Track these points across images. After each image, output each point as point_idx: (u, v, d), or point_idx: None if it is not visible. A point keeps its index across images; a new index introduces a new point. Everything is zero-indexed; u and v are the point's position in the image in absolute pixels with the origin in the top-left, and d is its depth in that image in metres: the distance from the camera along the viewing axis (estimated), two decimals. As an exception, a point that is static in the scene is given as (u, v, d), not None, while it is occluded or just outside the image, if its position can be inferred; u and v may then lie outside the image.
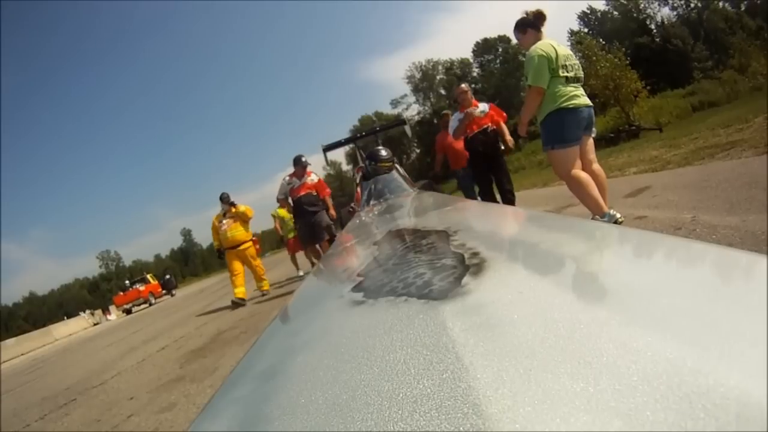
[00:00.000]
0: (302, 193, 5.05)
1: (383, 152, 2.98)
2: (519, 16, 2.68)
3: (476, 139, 3.86)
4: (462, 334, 0.30)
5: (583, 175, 2.42)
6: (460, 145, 4.35)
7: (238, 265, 5.64)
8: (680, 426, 0.17)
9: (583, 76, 2.52)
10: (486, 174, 3.94)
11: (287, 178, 5.18)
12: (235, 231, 5.63)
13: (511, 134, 3.92)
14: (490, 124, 3.85)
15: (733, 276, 0.32)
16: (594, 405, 0.20)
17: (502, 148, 3.91)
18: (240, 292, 5.52)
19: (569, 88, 2.39)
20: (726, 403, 0.18)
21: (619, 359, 0.22)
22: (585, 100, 2.43)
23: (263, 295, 5.73)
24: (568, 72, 2.41)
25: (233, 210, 5.66)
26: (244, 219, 5.71)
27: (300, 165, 5.12)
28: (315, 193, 5.12)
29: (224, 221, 5.59)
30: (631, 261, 0.42)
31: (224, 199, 5.68)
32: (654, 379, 0.20)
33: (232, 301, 5.49)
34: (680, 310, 0.27)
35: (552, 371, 0.23)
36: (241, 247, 5.66)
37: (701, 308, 0.27)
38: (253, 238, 5.97)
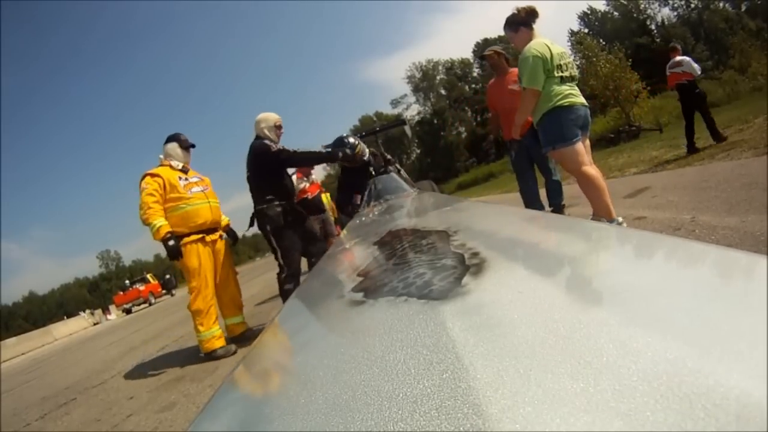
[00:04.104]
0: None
1: (350, 138, 3.09)
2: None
3: None
4: (462, 334, 0.30)
5: (597, 174, 2.36)
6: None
7: (210, 276, 3.02)
8: (680, 426, 0.17)
9: (577, 74, 2.48)
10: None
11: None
12: (214, 202, 3.18)
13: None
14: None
15: (732, 276, 0.32)
16: (594, 405, 0.20)
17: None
18: (218, 336, 2.96)
19: (564, 87, 2.35)
20: (726, 403, 0.18)
21: (619, 359, 0.22)
22: (581, 99, 2.40)
23: (245, 334, 3.21)
24: (563, 71, 2.37)
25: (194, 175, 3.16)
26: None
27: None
28: None
29: (191, 180, 3.08)
30: (631, 261, 0.42)
31: (184, 144, 3.18)
32: (654, 380, 0.20)
33: (212, 353, 2.92)
34: (680, 310, 0.27)
35: (552, 371, 0.23)
36: (217, 236, 3.16)
37: (701, 309, 0.27)
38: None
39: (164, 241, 2.79)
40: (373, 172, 2.90)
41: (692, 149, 5.59)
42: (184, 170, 3.11)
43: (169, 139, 3.18)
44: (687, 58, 5.94)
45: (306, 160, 3.08)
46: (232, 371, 0.44)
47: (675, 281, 0.33)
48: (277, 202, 2.90)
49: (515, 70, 3.13)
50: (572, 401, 0.20)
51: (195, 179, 3.13)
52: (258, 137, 2.99)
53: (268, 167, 2.92)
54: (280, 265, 2.95)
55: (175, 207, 2.93)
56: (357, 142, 3.08)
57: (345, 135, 3.16)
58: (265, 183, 2.92)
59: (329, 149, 3.00)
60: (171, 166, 3.05)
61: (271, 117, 3.05)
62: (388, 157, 3.41)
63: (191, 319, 3.00)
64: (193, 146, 3.25)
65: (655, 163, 5.55)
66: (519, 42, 2.53)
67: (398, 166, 3.47)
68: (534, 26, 2.52)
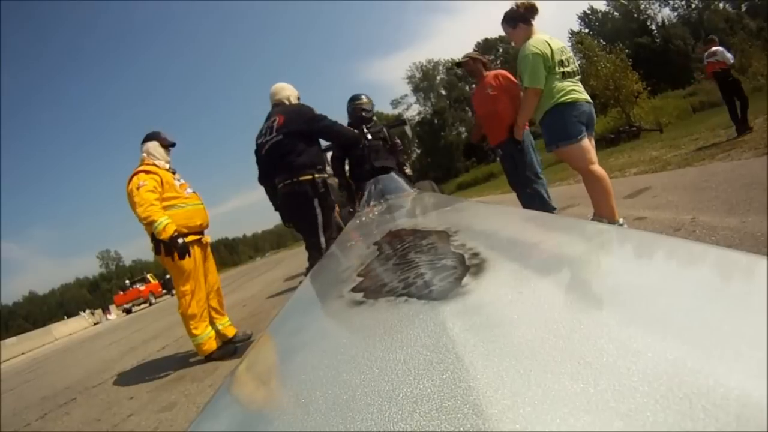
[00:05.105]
0: None
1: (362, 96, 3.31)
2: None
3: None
4: (462, 334, 0.30)
5: (604, 174, 2.33)
6: (502, 107, 2.84)
7: (203, 278, 2.99)
8: (680, 426, 0.17)
9: (578, 68, 2.44)
10: None
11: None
12: (200, 202, 3.11)
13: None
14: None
15: (733, 277, 0.32)
16: (594, 405, 0.20)
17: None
18: (214, 337, 2.96)
19: (566, 83, 2.31)
20: (726, 403, 0.18)
21: (619, 359, 0.22)
22: (584, 95, 2.36)
23: (236, 336, 3.14)
24: (564, 67, 2.32)
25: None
26: None
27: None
28: None
29: (182, 180, 3.04)
30: (631, 262, 0.42)
31: (165, 142, 3.04)
32: (654, 380, 0.20)
33: (212, 355, 2.92)
34: (680, 310, 0.27)
35: (552, 371, 0.23)
36: (208, 238, 3.15)
37: (701, 309, 0.27)
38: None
39: (173, 239, 2.68)
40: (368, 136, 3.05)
41: (744, 129, 5.79)
42: (172, 170, 3.00)
43: (149, 138, 3.00)
44: (721, 49, 6.33)
45: (339, 134, 2.77)
46: (232, 371, 0.44)
47: (675, 281, 0.33)
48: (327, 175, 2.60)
49: (491, 73, 3.05)
50: (572, 401, 0.20)
51: (184, 180, 3.04)
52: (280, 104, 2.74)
53: (307, 133, 2.59)
54: (320, 249, 2.49)
55: (173, 206, 2.83)
56: (369, 100, 3.32)
57: (359, 94, 3.31)
58: (312, 149, 2.59)
59: (356, 131, 2.92)
60: (156, 166, 2.88)
61: (294, 89, 2.83)
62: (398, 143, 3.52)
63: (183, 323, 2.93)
64: (173, 145, 3.10)
65: (656, 163, 5.57)
66: (517, 39, 2.47)
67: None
68: (533, 22, 2.44)
